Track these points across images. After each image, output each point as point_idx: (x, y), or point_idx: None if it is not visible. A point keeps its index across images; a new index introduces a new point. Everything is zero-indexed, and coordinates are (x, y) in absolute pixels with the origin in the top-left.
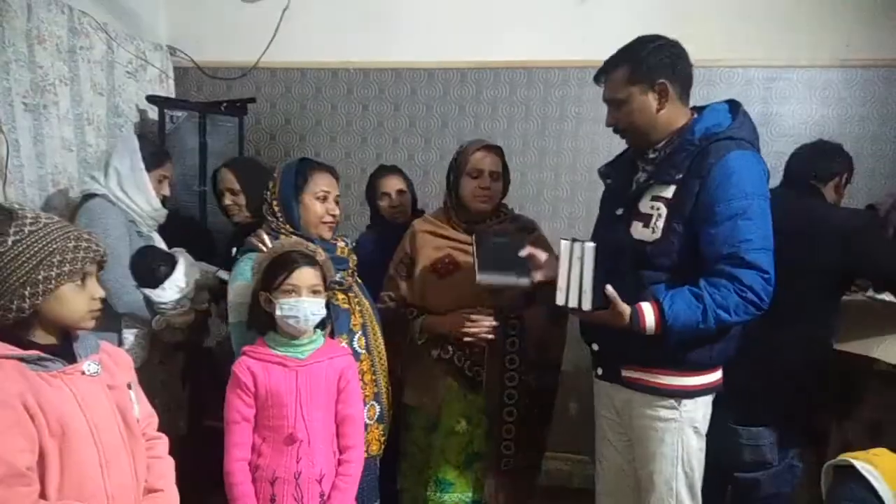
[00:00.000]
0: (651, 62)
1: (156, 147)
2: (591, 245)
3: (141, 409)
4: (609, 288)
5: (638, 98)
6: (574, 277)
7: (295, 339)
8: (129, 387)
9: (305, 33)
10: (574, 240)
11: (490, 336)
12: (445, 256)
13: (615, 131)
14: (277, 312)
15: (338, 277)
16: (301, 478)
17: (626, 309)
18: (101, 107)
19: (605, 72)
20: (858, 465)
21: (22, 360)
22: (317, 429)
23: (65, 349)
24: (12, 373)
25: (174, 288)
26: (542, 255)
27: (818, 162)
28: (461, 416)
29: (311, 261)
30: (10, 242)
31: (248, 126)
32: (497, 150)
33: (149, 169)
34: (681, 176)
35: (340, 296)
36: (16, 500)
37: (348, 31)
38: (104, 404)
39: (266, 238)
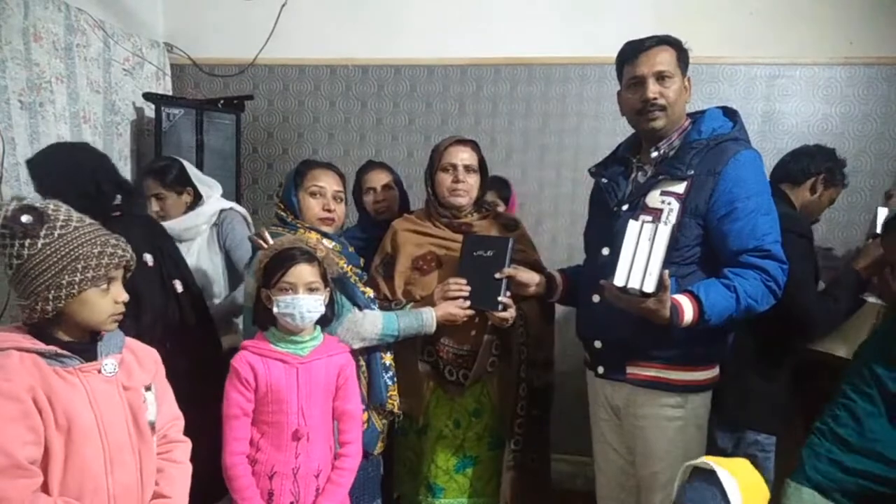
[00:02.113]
0: (687, 56)
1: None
2: (666, 227)
3: (164, 410)
4: (666, 273)
5: (679, 81)
6: (640, 258)
7: (296, 336)
8: (149, 388)
9: (303, 30)
10: (644, 221)
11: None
12: (427, 253)
13: (650, 107)
14: (275, 310)
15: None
16: (299, 473)
17: (669, 299)
18: (98, 104)
19: (651, 46)
20: (720, 472)
21: (42, 354)
22: (315, 425)
23: (89, 346)
24: (29, 367)
25: None
26: (522, 275)
27: (792, 164)
28: (449, 420)
29: (309, 258)
30: (39, 245)
31: (245, 123)
32: (472, 145)
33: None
34: (692, 172)
35: None
36: (15, 492)
37: (347, 28)
38: (116, 403)
39: (267, 234)
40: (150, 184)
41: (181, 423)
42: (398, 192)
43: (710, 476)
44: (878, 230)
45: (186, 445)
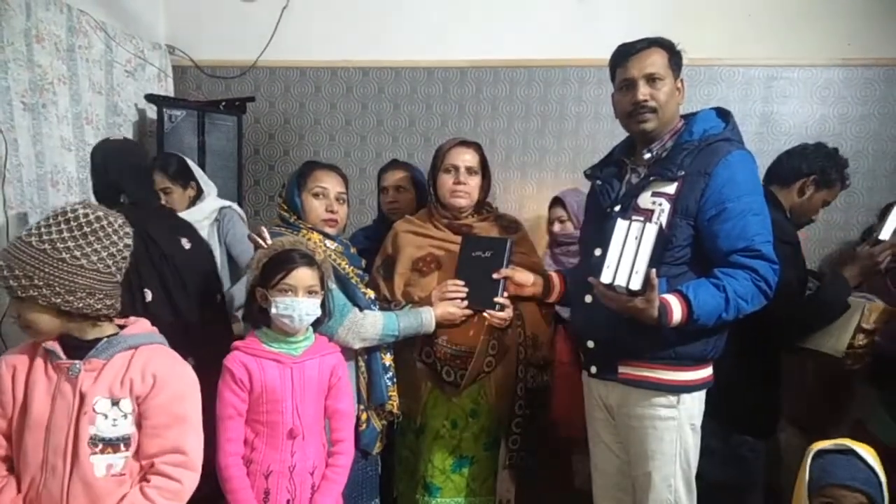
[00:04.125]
0: (680, 58)
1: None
2: (653, 226)
3: (167, 436)
4: (653, 272)
5: (670, 83)
6: (626, 257)
7: (289, 336)
8: (117, 403)
9: (305, 32)
10: (632, 219)
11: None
12: (427, 255)
13: (640, 109)
14: (273, 311)
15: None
16: (295, 471)
17: (657, 298)
18: (100, 106)
19: (642, 48)
20: (860, 451)
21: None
22: (309, 423)
23: (85, 344)
24: (30, 351)
25: None
26: (519, 276)
27: (784, 164)
28: (446, 420)
29: (309, 261)
30: None
31: (246, 125)
32: (475, 147)
33: None
34: (682, 173)
35: None
36: None
37: (348, 30)
38: (67, 407)
39: (266, 233)
40: (157, 178)
41: (182, 459)
42: (416, 192)
43: (846, 452)
44: (883, 235)
45: (171, 484)
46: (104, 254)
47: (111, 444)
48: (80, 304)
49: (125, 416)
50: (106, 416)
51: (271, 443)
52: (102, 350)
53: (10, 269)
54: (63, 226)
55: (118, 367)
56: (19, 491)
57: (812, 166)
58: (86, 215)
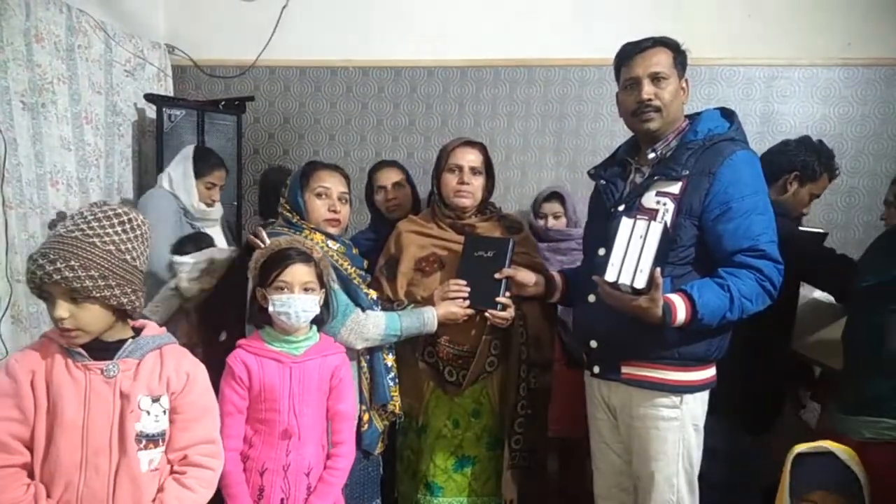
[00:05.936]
0: (685, 58)
1: (208, 158)
2: (659, 224)
3: (194, 430)
4: (657, 271)
5: (675, 83)
6: (631, 255)
7: (290, 335)
8: (157, 400)
9: (304, 31)
10: (637, 218)
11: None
12: (430, 255)
13: (644, 108)
14: (270, 308)
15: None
16: (290, 470)
17: (661, 298)
18: (100, 105)
19: (647, 47)
20: (839, 453)
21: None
22: (307, 424)
23: (111, 345)
24: (45, 354)
25: (189, 260)
26: (521, 276)
27: (767, 162)
28: (448, 419)
29: (305, 258)
30: None
31: (246, 125)
32: (479, 147)
33: (197, 177)
34: (687, 173)
35: None
36: None
37: (348, 29)
38: (106, 407)
39: (263, 234)
40: (224, 174)
41: (213, 448)
42: (410, 190)
43: (825, 455)
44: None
45: (206, 472)
46: (144, 257)
47: (153, 440)
48: (138, 304)
49: (164, 411)
50: (149, 413)
51: (268, 441)
52: (133, 350)
53: (86, 269)
54: (118, 227)
55: (151, 365)
56: (49, 496)
57: (793, 162)
58: (136, 218)
